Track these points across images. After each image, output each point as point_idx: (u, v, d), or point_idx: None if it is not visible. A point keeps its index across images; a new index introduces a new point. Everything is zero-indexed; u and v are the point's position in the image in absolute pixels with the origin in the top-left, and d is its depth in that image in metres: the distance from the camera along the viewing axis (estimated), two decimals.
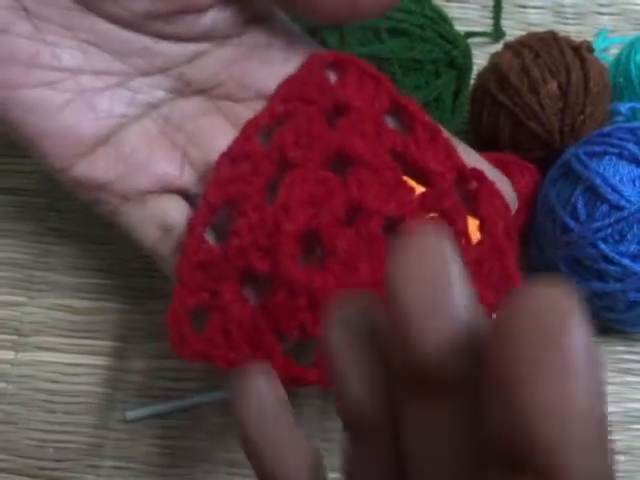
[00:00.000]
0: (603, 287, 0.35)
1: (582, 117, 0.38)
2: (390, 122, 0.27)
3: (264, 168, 0.26)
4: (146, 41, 0.27)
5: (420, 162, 0.25)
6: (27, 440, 0.35)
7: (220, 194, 0.26)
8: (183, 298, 0.25)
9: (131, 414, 0.35)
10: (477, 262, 0.24)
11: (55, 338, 0.37)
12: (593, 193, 0.35)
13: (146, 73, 0.28)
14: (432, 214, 0.25)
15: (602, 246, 0.34)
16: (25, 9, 0.25)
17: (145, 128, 0.28)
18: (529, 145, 0.40)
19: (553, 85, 0.39)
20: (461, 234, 0.24)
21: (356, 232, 0.24)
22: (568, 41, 0.40)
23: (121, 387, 0.36)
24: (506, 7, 0.50)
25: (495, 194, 0.25)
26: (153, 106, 0.28)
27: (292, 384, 0.23)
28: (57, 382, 0.36)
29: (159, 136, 0.28)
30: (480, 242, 0.24)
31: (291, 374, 0.23)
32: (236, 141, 0.27)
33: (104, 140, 0.27)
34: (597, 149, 0.36)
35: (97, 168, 0.27)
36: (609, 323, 0.38)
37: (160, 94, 0.28)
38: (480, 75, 0.42)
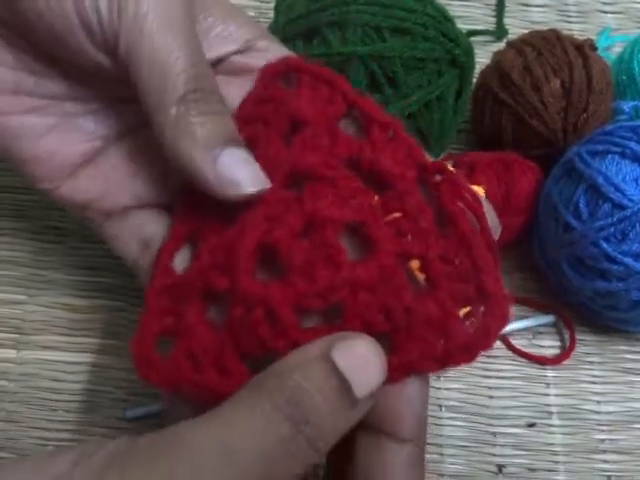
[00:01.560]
0: (606, 286, 0.35)
1: (585, 115, 0.38)
2: (346, 126, 0.27)
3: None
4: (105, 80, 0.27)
5: (376, 165, 0.25)
6: (29, 438, 0.35)
7: (185, 224, 0.26)
8: (149, 323, 0.25)
9: (130, 413, 0.35)
10: (444, 259, 0.24)
11: (55, 336, 0.37)
12: (595, 192, 0.35)
13: (126, 100, 0.28)
14: (394, 215, 0.24)
15: (604, 245, 0.34)
16: (7, 41, 0.26)
17: (127, 148, 0.28)
18: (531, 143, 0.40)
19: (556, 83, 0.38)
20: (427, 232, 0.24)
21: (311, 242, 0.24)
22: (571, 39, 0.40)
23: (122, 385, 0.36)
24: (509, 5, 0.49)
25: (460, 186, 0.25)
26: (134, 128, 0.29)
27: None
28: (59, 380, 0.36)
29: (140, 155, 0.28)
30: (446, 236, 0.24)
31: None
32: None
33: (88, 161, 0.28)
34: (600, 148, 0.36)
35: (81, 188, 0.28)
36: (612, 323, 0.38)
37: (141, 117, 0.28)
38: (482, 73, 0.42)
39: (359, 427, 0.22)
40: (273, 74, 0.27)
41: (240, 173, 0.24)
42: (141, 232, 0.28)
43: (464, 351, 0.23)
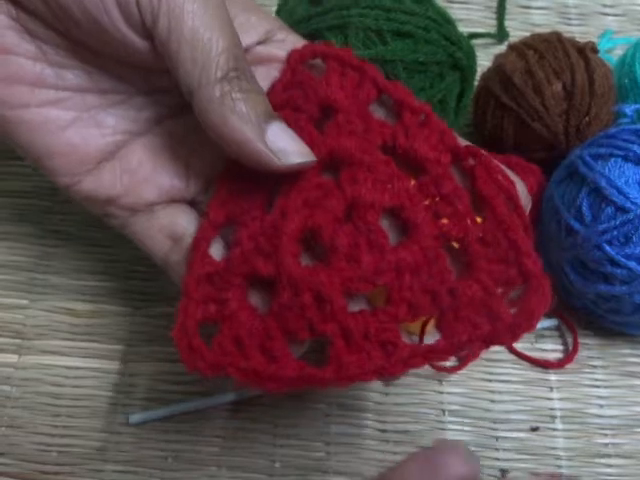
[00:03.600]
0: (609, 290, 0.35)
1: (587, 119, 0.38)
2: (378, 111, 0.27)
3: (263, 182, 0.26)
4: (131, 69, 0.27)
5: (411, 151, 0.25)
6: (31, 444, 0.35)
7: (221, 211, 0.27)
8: (191, 311, 0.25)
9: (134, 418, 0.35)
10: (482, 241, 0.24)
11: (58, 341, 0.37)
12: (598, 195, 0.35)
13: (149, 92, 0.28)
14: (432, 200, 0.25)
15: (608, 249, 0.34)
16: (28, 32, 0.26)
17: (149, 143, 0.28)
18: (533, 146, 0.39)
19: (558, 86, 0.38)
20: (464, 215, 0.24)
21: (354, 226, 0.24)
22: (573, 42, 0.40)
23: (124, 390, 0.36)
24: (510, 8, 0.49)
25: (494, 169, 0.25)
26: (157, 122, 0.29)
27: (306, 385, 0.23)
28: (61, 385, 0.36)
29: (163, 150, 0.28)
30: (484, 219, 0.24)
31: (304, 375, 0.23)
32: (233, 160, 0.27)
33: (110, 156, 0.28)
34: (602, 151, 0.36)
35: (103, 183, 0.28)
36: (615, 326, 0.38)
37: (163, 110, 0.29)
38: (484, 77, 0.42)
39: None
40: (300, 60, 0.27)
41: (289, 144, 0.25)
42: (171, 227, 0.28)
43: (509, 332, 0.23)
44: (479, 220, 0.25)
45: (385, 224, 0.24)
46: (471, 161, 0.25)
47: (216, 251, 0.27)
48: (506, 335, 0.23)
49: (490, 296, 0.23)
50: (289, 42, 0.29)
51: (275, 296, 0.24)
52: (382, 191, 0.24)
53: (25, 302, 0.38)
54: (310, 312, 0.23)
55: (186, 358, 0.24)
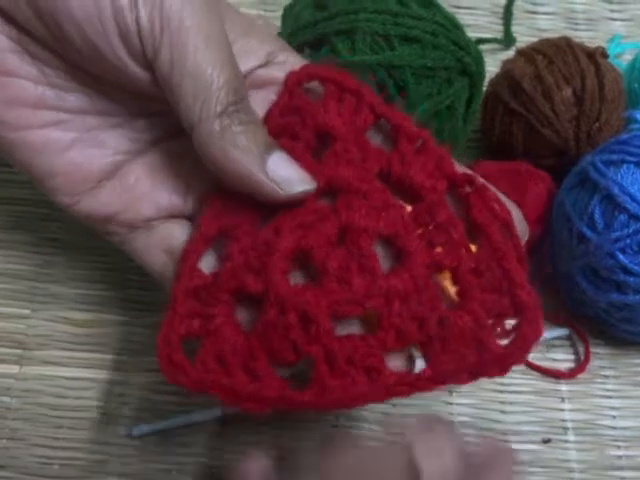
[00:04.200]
0: (622, 299, 0.34)
1: (598, 124, 0.38)
2: (375, 137, 0.27)
3: (256, 203, 0.26)
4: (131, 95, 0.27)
5: (407, 179, 0.25)
6: (32, 457, 0.34)
7: (214, 224, 0.26)
8: (175, 325, 0.25)
9: (137, 430, 0.34)
10: (476, 270, 0.24)
11: (59, 352, 0.37)
12: (611, 202, 0.34)
13: (149, 115, 0.28)
14: (426, 228, 0.24)
15: (620, 257, 0.33)
16: (30, 54, 0.26)
17: (148, 161, 0.28)
18: (543, 153, 0.39)
19: (567, 92, 0.38)
20: (458, 244, 0.24)
21: (347, 250, 0.24)
22: (582, 47, 0.40)
23: (125, 402, 0.35)
24: (516, 13, 0.49)
25: (489, 197, 0.25)
26: (156, 142, 0.29)
27: (287, 406, 0.23)
28: (62, 397, 0.35)
29: (162, 168, 0.28)
30: (478, 248, 0.24)
31: (285, 397, 0.23)
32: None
33: (110, 175, 0.28)
34: (614, 157, 0.35)
35: (103, 201, 0.28)
36: (627, 335, 0.37)
37: (163, 132, 0.29)
38: (492, 82, 0.41)
39: None
40: (297, 82, 0.27)
41: (290, 172, 0.25)
42: (168, 243, 0.28)
43: (497, 364, 0.22)
44: (473, 249, 0.25)
45: (380, 251, 0.24)
46: (467, 188, 0.25)
47: (206, 264, 0.26)
48: (494, 367, 0.23)
49: (481, 327, 0.23)
50: (290, 64, 0.28)
51: (261, 314, 0.24)
52: (376, 218, 0.24)
53: (27, 312, 0.37)
54: (295, 332, 0.23)
55: (167, 371, 0.24)
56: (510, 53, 0.44)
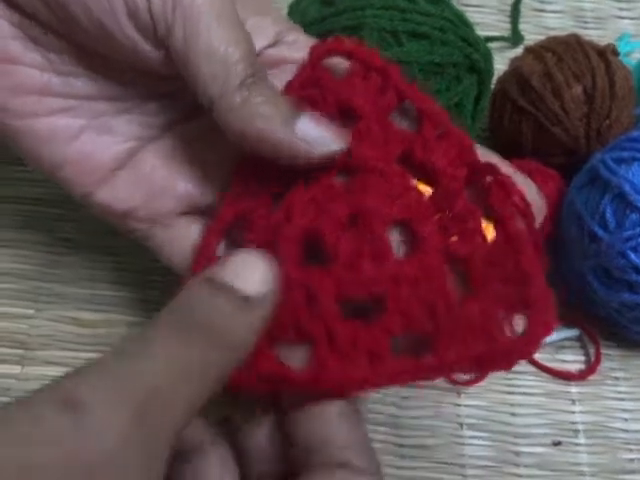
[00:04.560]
0: (634, 299, 0.33)
1: (608, 122, 0.37)
2: (398, 118, 0.27)
3: (273, 181, 0.26)
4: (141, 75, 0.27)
5: (428, 163, 0.25)
6: None
7: (232, 208, 0.26)
8: None
9: None
10: (490, 261, 0.23)
11: (62, 352, 0.36)
12: (622, 200, 0.33)
13: (160, 97, 0.28)
14: (443, 215, 0.24)
15: (632, 256, 0.33)
16: (33, 40, 0.25)
17: (162, 148, 0.28)
18: (552, 151, 0.38)
19: (577, 89, 0.37)
20: (474, 233, 0.23)
21: (358, 234, 0.23)
22: (592, 44, 0.39)
23: None
24: (524, 11, 0.49)
25: (510, 188, 0.24)
26: (168, 127, 0.28)
27: (282, 386, 0.23)
28: None
29: (177, 154, 0.28)
30: (494, 239, 0.23)
31: (282, 374, 0.22)
32: (249, 157, 0.26)
33: (122, 163, 0.27)
34: (625, 155, 0.35)
35: (119, 194, 0.27)
36: (639, 337, 0.36)
37: (175, 115, 0.28)
38: (500, 80, 0.41)
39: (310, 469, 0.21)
40: (323, 55, 0.26)
41: (321, 132, 0.24)
42: (190, 237, 0.27)
43: (503, 357, 0.22)
44: (489, 239, 0.24)
45: (395, 236, 0.24)
46: (488, 178, 0.25)
47: (223, 251, 0.26)
48: (500, 360, 0.22)
49: (490, 318, 0.22)
50: (300, 43, 0.28)
51: None
52: (392, 202, 0.24)
53: (31, 312, 0.37)
54: (300, 312, 0.22)
55: None
56: (518, 51, 0.43)
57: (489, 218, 0.24)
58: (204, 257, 0.26)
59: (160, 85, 0.27)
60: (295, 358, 0.23)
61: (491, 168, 0.24)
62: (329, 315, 0.22)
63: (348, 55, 0.26)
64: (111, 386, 0.18)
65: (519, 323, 0.22)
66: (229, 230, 0.26)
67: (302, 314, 0.22)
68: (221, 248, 0.26)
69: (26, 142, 0.26)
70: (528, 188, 0.26)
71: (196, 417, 0.20)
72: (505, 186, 0.24)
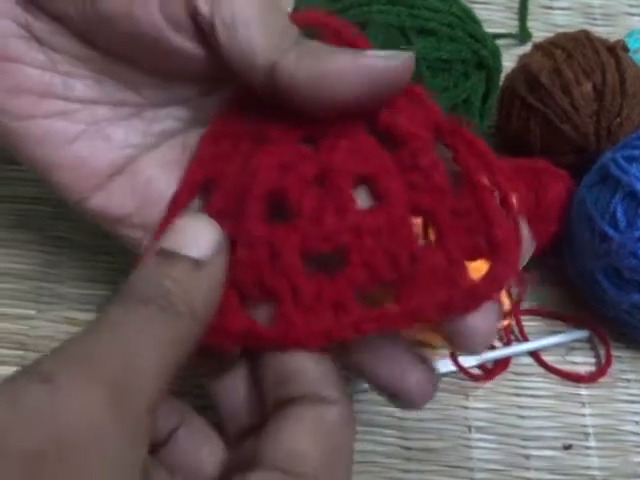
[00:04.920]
0: None
1: (619, 119, 0.36)
2: None
3: (244, 146, 0.26)
4: (161, 80, 0.26)
5: (393, 127, 0.24)
6: None
7: (200, 173, 0.26)
8: None
9: None
10: (454, 212, 0.23)
11: None
12: (633, 199, 0.33)
13: (161, 104, 0.27)
14: (409, 171, 0.24)
15: None
16: (38, 40, 0.25)
17: (161, 157, 0.27)
18: (561, 149, 0.38)
19: (587, 86, 0.37)
20: (439, 187, 0.23)
21: (323, 190, 0.23)
22: (602, 41, 0.38)
23: None
24: (531, 8, 0.48)
25: (475, 144, 0.24)
26: (169, 135, 0.27)
27: (251, 343, 0.23)
28: None
29: (176, 164, 0.27)
30: (459, 191, 0.23)
31: (250, 331, 0.22)
32: (218, 121, 0.26)
33: (120, 170, 0.27)
34: (636, 153, 0.34)
35: (114, 200, 0.27)
36: None
37: (176, 124, 0.27)
38: (508, 77, 0.40)
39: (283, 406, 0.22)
40: (299, 25, 0.26)
41: (386, 52, 0.24)
42: None
43: (467, 300, 0.22)
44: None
45: (361, 194, 0.24)
46: (452, 138, 0.25)
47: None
48: (464, 303, 0.22)
49: (453, 265, 0.22)
50: None
51: (232, 254, 0.23)
52: (356, 159, 0.24)
53: (31, 312, 0.36)
54: (263, 268, 0.23)
55: None
56: (526, 49, 0.42)
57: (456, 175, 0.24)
58: (164, 220, 0.25)
59: (165, 90, 0.26)
60: (262, 316, 0.23)
61: (455, 126, 0.24)
62: (292, 270, 0.22)
63: (321, 25, 0.26)
64: (82, 361, 0.19)
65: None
66: (200, 194, 0.26)
67: (266, 271, 0.23)
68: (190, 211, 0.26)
69: (21, 144, 0.26)
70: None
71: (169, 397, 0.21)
72: (470, 143, 0.24)
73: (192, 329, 0.21)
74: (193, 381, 0.29)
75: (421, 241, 0.23)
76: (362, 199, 0.24)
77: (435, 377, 0.24)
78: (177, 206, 0.26)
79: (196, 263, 0.21)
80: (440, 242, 0.23)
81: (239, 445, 0.24)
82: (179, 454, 0.24)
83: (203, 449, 0.25)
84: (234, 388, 0.24)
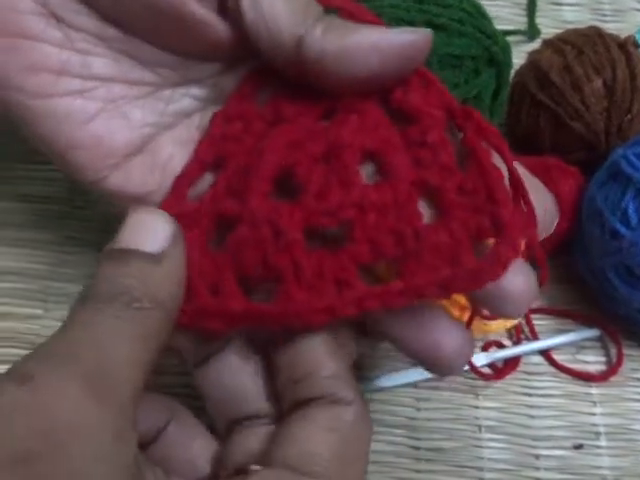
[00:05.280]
0: None
1: (629, 116, 0.36)
2: None
3: (256, 127, 0.26)
4: (179, 58, 0.26)
5: (404, 104, 0.25)
6: None
7: (210, 152, 0.26)
8: None
9: None
10: (460, 190, 0.23)
11: None
12: None
13: (179, 83, 0.27)
14: (416, 148, 0.24)
15: None
16: (56, 17, 0.25)
17: (179, 136, 0.27)
18: (572, 147, 0.37)
19: (598, 83, 0.36)
20: (446, 165, 0.23)
21: (330, 167, 0.23)
22: (612, 37, 0.38)
23: None
24: (540, 4, 0.47)
25: (485, 127, 0.24)
26: (186, 115, 0.27)
27: (252, 323, 0.23)
28: None
29: (194, 144, 0.27)
30: (466, 170, 0.23)
31: (250, 311, 0.22)
32: (232, 101, 0.26)
33: (138, 149, 0.27)
34: None
35: (133, 178, 0.26)
36: None
37: (193, 103, 0.27)
38: (518, 74, 0.40)
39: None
40: None
41: (409, 29, 0.25)
42: None
43: (470, 279, 0.21)
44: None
45: (368, 170, 0.24)
46: (463, 120, 0.25)
47: (197, 193, 0.26)
48: (466, 280, 0.22)
49: (457, 243, 0.22)
50: None
51: (234, 231, 0.23)
52: (363, 134, 0.24)
53: (40, 312, 0.36)
54: (267, 245, 0.22)
55: None
56: (534, 45, 0.42)
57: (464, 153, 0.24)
58: (172, 201, 0.25)
59: (182, 69, 0.26)
60: (265, 294, 0.23)
61: (468, 111, 0.24)
62: (294, 246, 0.22)
63: (338, 7, 0.26)
64: (58, 360, 0.19)
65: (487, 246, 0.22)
66: (210, 171, 0.26)
67: (269, 248, 0.22)
68: (196, 190, 0.26)
69: (38, 122, 0.26)
70: (542, 195, 0.25)
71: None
72: (479, 125, 0.24)
73: (161, 321, 0.21)
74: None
75: (426, 218, 0.23)
76: (368, 175, 0.24)
77: (470, 341, 0.23)
78: (183, 184, 0.26)
79: (153, 257, 0.21)
80: (445, 220, 0.23)
81: (229, 438, 0.24)
82: (170, 449, 0.25)
83: (194, 443, 0.25)
84: (221, 378, 0.24)
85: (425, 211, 0.23)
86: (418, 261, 0.22)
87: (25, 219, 0.38)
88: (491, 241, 0.22)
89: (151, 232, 0.22)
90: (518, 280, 0.22)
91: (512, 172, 0.23)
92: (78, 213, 0.39)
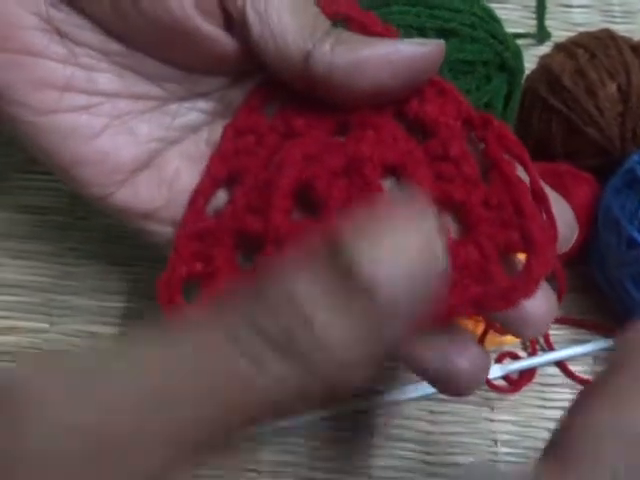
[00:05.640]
0: None
1: None
2: None
3: (269, 140, 0.26)
4: (185, 73, 0.26)
5: (422, 115, 0.24)
6: None
7: (223, 167, 0.26)
8: (176, 267, 0.24)
9: None
10: (486, 204, 0.23)
11: None
12: None
13: (185, 97, 0.27)
14: (438, 162, 0.24)
15: None
16: (59, 33, 0.24)
17: (186, 151, 0.27)
18: (585, 153, 0.37)
19: (612, 87, 0.36)
20: (469, 178, 0.23)
21: (350, 181, 0.23)
22: (626, 40, 0.37)
23: None
24: (549, 7, 0.47)
25: (505, 136, 0.24)
26: (192, 129, 0.27)
27: None
28: None
29: (201, 158, 0.27)
30: (491, 184, 0.23)
31: None
32: (241, 114, 0.26)
33: (144, 165, 0.26)
34: None
35: (140, 194, 0.26)
36: None
37: (200, 117, 0.27)
38: (529, 78, 0.39)
39: None
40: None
41: (421, 40, 0.25)
42: None
43: (503, 297, 0.21)
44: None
45: (388, 184, 0.24)
46: (483, 130, 0.24)
47: (214, 208, 0.26)
48: (499, 299, 0.21)
49: (487, 260, 0.21)
50: None
51: (260, 252, 0.23)
52: (384, 148, 0.24)
53: (45, 325, 0.36)
54: None
55: (165, 312, 0.24)
56: (544, 49, 0.41)
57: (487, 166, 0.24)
58: (192, 218, 0.25)
59: (187, 83, 0.26)
60: None
61: (487, 119, 0.24)
62: None
63: (348, 18, 0.26)
64: None
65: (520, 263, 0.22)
66: (223, 186, 0.26)
67: None
68: (214, 205, 0.26)
69: (44, 139, 0.25)
70: (562, 208, 0.25)
71: None
72: (500, 134, 0.24)
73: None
74: None
75: (453, 235, 0.22)
76: (388, 188, 0.23)
77: (487, 360, 0.23)
78: (198, 202, 0.25)
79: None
80: (472, 236, 0.22)
81: None
82: None
83: None
84: None
85: (451, 226, 0.22)
86: (448, 279, 0.21)
87: (27, 231, 0.38)
88: (518, 257, 0.22)
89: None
90: (540, 301, 0.21)
91: (535, 184, 0.22)
92: (80, 224, 0.38)
